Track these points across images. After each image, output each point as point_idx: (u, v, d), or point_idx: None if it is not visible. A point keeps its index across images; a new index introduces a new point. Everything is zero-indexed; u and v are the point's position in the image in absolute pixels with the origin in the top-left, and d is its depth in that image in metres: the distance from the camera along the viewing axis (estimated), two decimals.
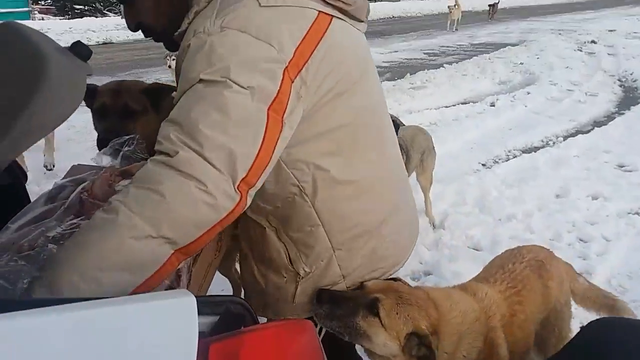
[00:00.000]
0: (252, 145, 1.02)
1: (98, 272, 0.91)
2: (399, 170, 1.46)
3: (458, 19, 17.24)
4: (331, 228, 1.27)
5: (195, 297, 0.90)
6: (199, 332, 0.87)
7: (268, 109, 1.03)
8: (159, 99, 1.80)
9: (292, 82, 1.06)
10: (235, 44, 1.03)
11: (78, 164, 1.75)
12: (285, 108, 1.06)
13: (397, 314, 1.33)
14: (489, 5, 21.04)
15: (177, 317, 0.86)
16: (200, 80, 1.02)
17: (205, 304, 1.02)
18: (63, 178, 1.48)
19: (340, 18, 1.20)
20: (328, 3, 1.17)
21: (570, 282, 1.97)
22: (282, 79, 1.04)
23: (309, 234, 1.27)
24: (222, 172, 0.97)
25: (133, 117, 1.76)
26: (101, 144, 1.69)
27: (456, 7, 16.90)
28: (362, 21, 1.31)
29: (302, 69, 1.08)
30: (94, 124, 1.84)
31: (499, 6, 21.68)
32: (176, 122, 1.02)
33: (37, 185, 3.71)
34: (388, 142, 1.39)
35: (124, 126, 1.73)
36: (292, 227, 1.28)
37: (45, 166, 4.41)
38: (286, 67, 1.05)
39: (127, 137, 1.53)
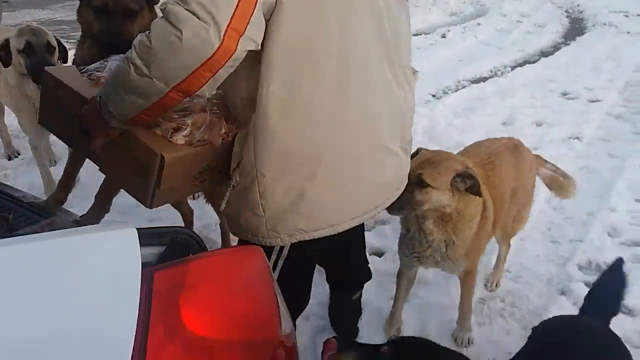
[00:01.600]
0: None
1: (122, 91, 1.17)
2: (370, 125, 1.35)
3: None
4: (259, 143, 1.26)
5: (141, 228, 0.90)
6: (146, 263, 0.87)
7: None
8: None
9: None
10: None
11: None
12: None
13: (438, 174, 1.71)
14: None
15: (120, 247, 0.86)
16: None
17: (152, 235, 1.01)
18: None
19: None
20: None
21: (538, 167, 2.30)
22: None
23: (241, 139, 1.32)
24: (203, 19, 1.06)
25: (133, 18, 1.74)
26: (108, 48, 1.65)
27: None
28: None
29: None
30: (87, 23, 1.77)
31: None
32: None
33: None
34: (361, 82, 1.29)
35: (125, 27, 1.71)
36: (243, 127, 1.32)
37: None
38: None
39: None
